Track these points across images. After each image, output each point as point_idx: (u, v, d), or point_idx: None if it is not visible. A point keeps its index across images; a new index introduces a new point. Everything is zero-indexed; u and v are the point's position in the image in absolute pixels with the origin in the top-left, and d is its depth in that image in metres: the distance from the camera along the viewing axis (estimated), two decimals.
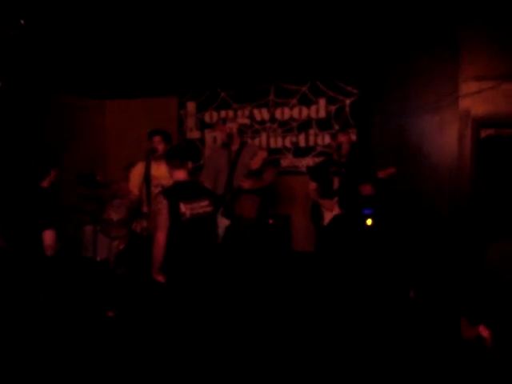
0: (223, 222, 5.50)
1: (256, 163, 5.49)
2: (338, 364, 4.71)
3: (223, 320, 5.26)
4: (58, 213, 4.90)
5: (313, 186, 6.34)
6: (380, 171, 5.86)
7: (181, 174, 4.34)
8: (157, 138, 5.62)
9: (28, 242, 4.82)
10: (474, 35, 6.59)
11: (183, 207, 4.16)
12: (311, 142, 7.87)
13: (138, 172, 5.67)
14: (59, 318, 5.49)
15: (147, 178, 5.51)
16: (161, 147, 5.54)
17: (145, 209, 5.48)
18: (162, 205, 4.13)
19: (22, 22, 6.12)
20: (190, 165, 4.44)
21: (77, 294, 6.27)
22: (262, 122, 8.17)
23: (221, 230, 5.26)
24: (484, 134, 6.66)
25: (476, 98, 6.55)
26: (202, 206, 4.28)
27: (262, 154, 5.54)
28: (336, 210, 6.07)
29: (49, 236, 4.76)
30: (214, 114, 8.47)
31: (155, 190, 5.41)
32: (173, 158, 4.37)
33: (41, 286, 4.95)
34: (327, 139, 7.64)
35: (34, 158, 5.13)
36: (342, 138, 6.15)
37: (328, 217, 6.10)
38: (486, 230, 6.41)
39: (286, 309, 6.24)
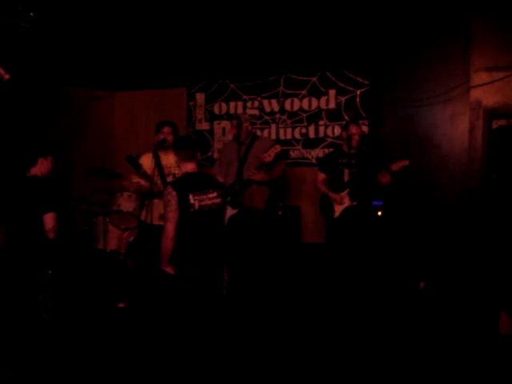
0: (228, 212, 5.53)
1: (269, 156, 5.50)
2: (349, 356, 4.70)
3: (230, 312, 5.26)
4: (53, 197, 4.97)
5: (321, 177, 6.31)
6: (393, 164, 5.78)
7: (190, 166, 4.33)
8: (167, 129, 5.67)
9: (29, 230, 4.90)
10: (485, 25, 6.53)
11: (192, 198, 4.16)
12: (321, 133, 7.84)
13: (145, 164, 5.65)
14: (68, 309, 5.54)
15: (159, 166, 5.55)
16: (170, 138, 5.61)
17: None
18: (171, 196, 4.13)
19: (32, 14, 6.12)
20: (198, 155, 4.43)
21: (87, 285, 6.29)
22: (272, 113, 8.14)
23: (225, 219, 5.29)
24: (495, 124, 6.60)
25: (487, 89, 6.50)
26: (211, 198, 4.27)
27: (277, 148, 5.54)
28: (347, 203, 6.05)
29: (49, 219, 4.87)
30: (223, 106, 8.46)
31: (168, 179, 5.48)
32: (182, 149, 4.36)
33: (48, 271, 5.01)
34: (337, 130, 7.60)
35: (23, 147, 5.19)
36: (354, 130, 6.09)
37: (339, 208, 6.08)
38: (497, 221, 6.37)
39: (295, 300, 6.24)
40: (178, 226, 4.16)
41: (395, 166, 5.78)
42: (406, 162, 5.76)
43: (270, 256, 6.42)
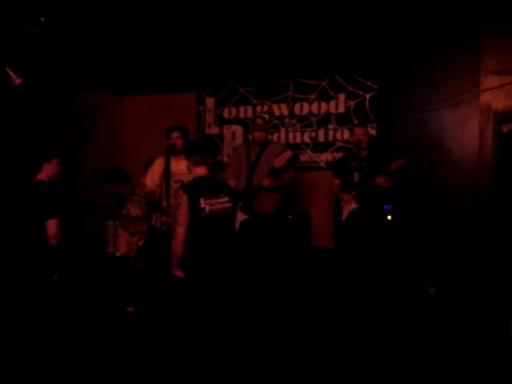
0: (240, 216, 5.52)
1: (280, 162, 5.48)
2: (357, 359, 4.69)
3: (238, 316, 5.26)
4: (57, 203, 4.97)
5: (337, 182, 6.32)
6: (391, 164, 5.83)
7: (201, 170, 4.34)
8: (175, 134, 5.66)
9: (31, 235, 4.90)
10: (495, 29, 6.50)
11: (203, 203, 4.16)
12: (330, 137, 7.85)
13: (157, 168, 5.72)
14: (77, 313, 5.55)
15: (167, 173, 5.53)
16: (179, 142, 5.60)
17: (164, 204, 5.51)
18: (182, 200, 4.13)
19: (43, 19, 6.15)
20: (209, 159, 4.43)
21: (97, 289, 6.31)
22: (281, 117, 8.16)
23: (237, 224, 5.28)
24: (505, 128, 6.57)
25: (497, 93, 6.46)
26: (222, 203, 4.27)
27: (288, 154, 5.53)
28: (353, 205, 6.05)
29: (51, 226, 4.86)
30: (233, 110, 8.49)
31: (175, 186, 5.45)
32: (193, 154, 4.37)
33: (50, 276, 5.02)
34: (346, 134, 7.61)
35: (28, 153, 5.21)
36: (359, 131, 6.17)
37: (346, 212, 6.08)
38: (508, 225, 6.34)
39: (304, 303, 6.23)
40: (189, 231, 4.16)
41: (392, 167, 5.83)
42: (401, 162, 5.82)
43: (280, 260, 6.41)
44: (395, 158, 5.99)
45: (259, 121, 6.22)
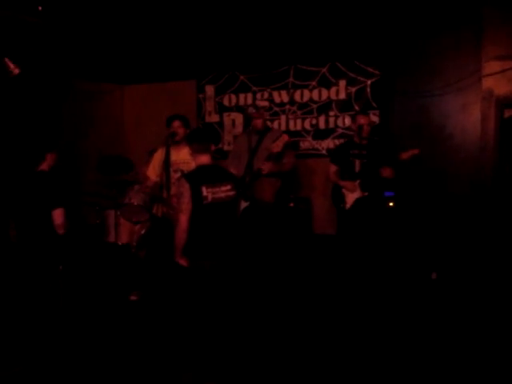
0: (240, 204, 5.51)
1: (277, 146, 5.47)
2: (359, 347, 4.70)
3: (242, 305, 5.26)
4: (61, 192, 4.99)
5: (333, 168, 6.30)
6: (403, 153, 5.79)
7: (204, 158, 4.31)
8: (176, 123, 5.66)
9: (38, 225, 4.93)
10: (497, 14, 6.47)
11: (205, 191, 4.14)
12: (331, 124, 7.81)
13: (157, 158, 5.75)
14: (80, 302, 5.56)
15: (167, 163, 5.53)
16: (181, 131, 5.60)
17: (164, 194, 5.51)
18: (184, 188, 4.12)
19: (40, 8, 6.12)
20: (212, 147, 4.41)
21: (99, 278, 6.31)
22: (282, 104, 8.11)
23: (239, 212, 5.27)
24: (508, 114, 6.55)
25: (499, 78, 6.45)
26: (224, 191, 4.26)
27: (284, 138, 5.50)
28: (358, 193, 6.03)
29: (57, 215, 4.90)
30: (233, 98, 8.44)
31: (175, 175, 5.45)
32: (196, 142, 4.34)
33: (59, 266, 5.04)
34: (347, 121, 7.57)
35: (29, 143, 5.21)
36: (362, 120, 6.12)
37: (350, 200, 6.06)
38: (509, 211, 6.34)
39: (306, 291, 6.24)
40: (192, 219, 4.15)
41: (405, 155, 5.80)
42: (416, 151, 5.78)
43: (281, 248, 6.41)
44: (402, 145, 5.98)
45: (251, 109, 6.24)
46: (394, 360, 4.43)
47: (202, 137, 4.45)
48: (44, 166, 5.05)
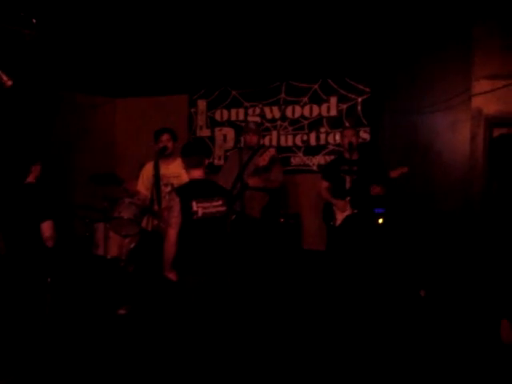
0: None
1: (263, 160, 5.43)
2: (347, 363, 4.69)
3: (231, 319, 5.25)
4: (50, 205, 4.97)
5: (325, 184, 6.31)
6: (392, 171, 5.83)
7: (197, 173, 4.31)
8: (165, 136, 5.68)
9: (27, 238, 4.89)
10: (486, 34, 6.54)
11: (195, 206, 4.15)
12: (322, 141, 7.84)
13: (146, 172, 5.77)
14: (68, 316, 5.52)
15: (157, 177, 5.54)
16: (170, 145, 5.62)
17: (155, 207, 5.51)
18: (175, 202, 4.13)
19: (34, 21, 6.13)
20: (206, 161, 4.42)
21: (87, 291, 6.28)
22: (273, 120, 8.14)
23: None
24: (497, 133, 6.60)
25: (488, 97, 6.51)
26: (215, 206, 4.26)
27: (271, 152, 5.49)
28: (348, 210, 6.04)
29: (46, 228, 4.86)
30: (225, 113, 8.47)
31: (165, 189, 5.45)
32: (190, 156, 4.33)
33: (47, 278, 5.00)
34: (338, 137, 7.58)
35: (19, 155, 5.19)
36: (348, 133, 6.22)
37: (340, 217, 6.07)
38: (498, 229, 6.36)
39: (295, 307, 6.23)
40: (181, 233, 4.16)
41: (394, 173, 5.84)
42: (405, 169, 5.81)
43: (270, 262, 6.40)
44: (392, 162, 6.01)
45: (252, 125, 6.22)
46: (381, 378, 4.43)
47: (195, 151, 4.44)
48: (31, 178, 5.03)
